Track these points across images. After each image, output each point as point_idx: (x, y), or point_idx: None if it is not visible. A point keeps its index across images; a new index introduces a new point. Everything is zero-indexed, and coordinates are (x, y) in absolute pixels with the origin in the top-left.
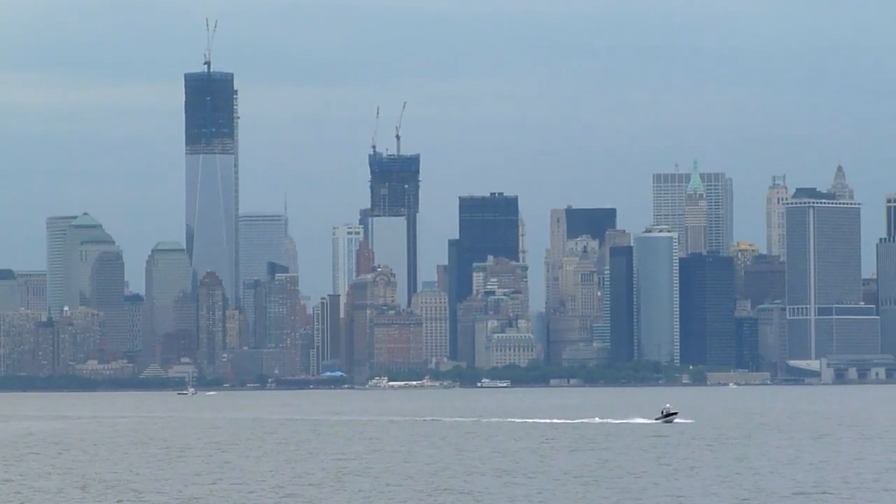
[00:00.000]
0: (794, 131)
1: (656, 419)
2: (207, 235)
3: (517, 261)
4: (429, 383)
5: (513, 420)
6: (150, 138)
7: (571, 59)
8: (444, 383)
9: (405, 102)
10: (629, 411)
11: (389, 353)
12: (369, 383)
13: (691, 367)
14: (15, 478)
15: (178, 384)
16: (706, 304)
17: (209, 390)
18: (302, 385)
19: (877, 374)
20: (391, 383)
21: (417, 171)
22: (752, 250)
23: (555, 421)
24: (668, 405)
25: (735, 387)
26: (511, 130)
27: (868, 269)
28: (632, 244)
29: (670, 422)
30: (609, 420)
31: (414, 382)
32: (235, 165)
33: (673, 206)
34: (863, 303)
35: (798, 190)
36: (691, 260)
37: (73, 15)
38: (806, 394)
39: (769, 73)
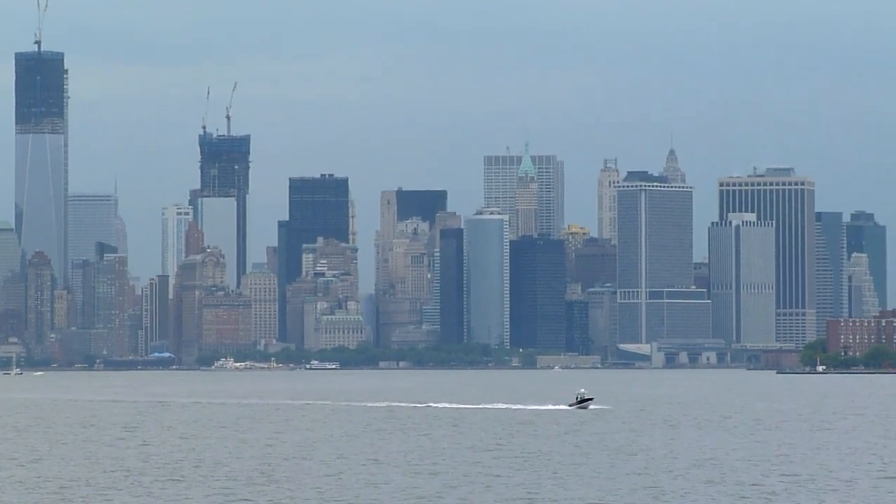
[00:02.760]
0: (626, 115)
1: (570, 405)
2: (36, 215)
3: (347, 242)
4: (275, 365)
5: (427, 405)
6: None
7: (407, 42)
8: (291, 365)
9: (235, 83)
10: (511, 396)
11: (218, 334)
12: (215, 364)
13: (521, 351)
14: None
15: (6, 364)
16: (537, 288)
17: (36, 370)
18: (130, 366)
19: (707, 358)
20: (236, 364)
21: (248, 152)
22: (584, 233)
23: (458, 406)
24: (582, 390)
25: (560, 370)
26: (342, 112)
27: (700, 253)
28: (462, 227)
29: (585, 407)
30: (521, 406)
31: (262, 364)
32: (65, 145)
33: (504, 188)
34: (694, 287)
35: (629, 173)
36: (522, 243)
37: None
38: (649, 378)
39: (602, 57)
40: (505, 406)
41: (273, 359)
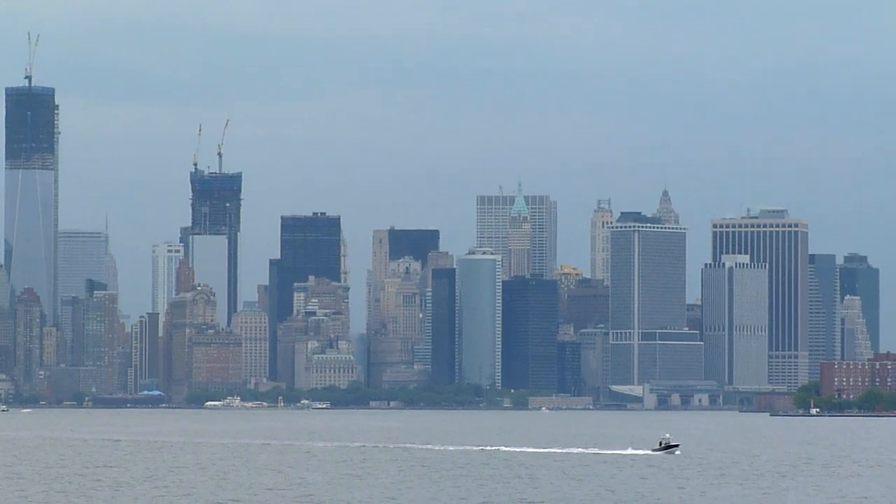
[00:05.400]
0: (620, 155)
1: (654, 450)
2: (26, 251)
3: (338, 281)
4: (282, 404)
5: (522, 449)
6: None
7: (402, 81)
8: (301, 403)
9: (228, 120)
10: (533, 438)
11: (208, 372)
12: (224, 402)
13: (513, 391)
14: None
15: None
16: (529, 328)
17: (24, 408)
18: (119, 404)
19: (700, 400)
20: (245, 404)
21: (239, 190)
22: (576, 274)
23: (531, 450)
24: (667, 435)
25: (548, 411)
26: (335, 151)
27: (693, 294)
28: (455, 266)
29: (672, 453)
30: (598, 451)
31: (265, 403)
32: (55, 181)
33: (496, 228)
34: (687, 328)
35: (623, 214)
36: (514, 283)
37: None
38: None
39: (596, 98)
40: (580, 450)
41: (281, 398)
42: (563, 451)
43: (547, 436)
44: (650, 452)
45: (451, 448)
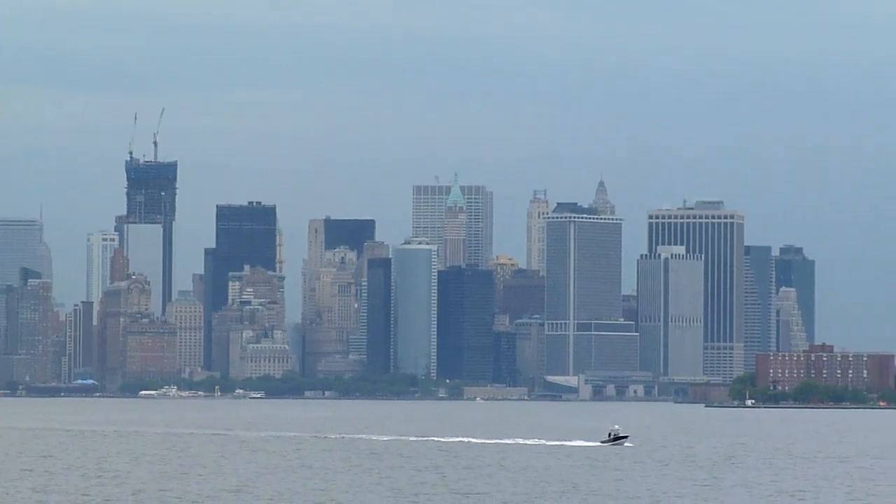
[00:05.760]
0: (557, 146)
1: (603, 442)
2: None
3: (274, 271)
4: (219, 394)
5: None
6: None
7: (339, 71)
8: (237, 393)
9: (163, 109)
10: (511, 430)
11: (142, 361)
12: (160, 391)
13: (448, 381)
14: None
15: None
16: (464, 318)
17: None
18: (53, 392)
19: (635, 391)
20: (181, 393)
21: (175, 179)
22: (512, 264)
23: (489, 441)
24: (616, 427)
25: (482, 402)
26: (271, 140)
27: (628, 285)
28: (390, 256)
29: (620, 444)
30: (547, 442)
31: (201, 393)
32: None
33: (433, 218)
34: (622, 319)
35: (559, 205)
36: (450, 273)
37: None
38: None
39: (533, 89)
40: (534, 441)
41: (217, 388)
42: (513, 442)
43: (489, 427)
44: (599, 444)
45: (387, 438)
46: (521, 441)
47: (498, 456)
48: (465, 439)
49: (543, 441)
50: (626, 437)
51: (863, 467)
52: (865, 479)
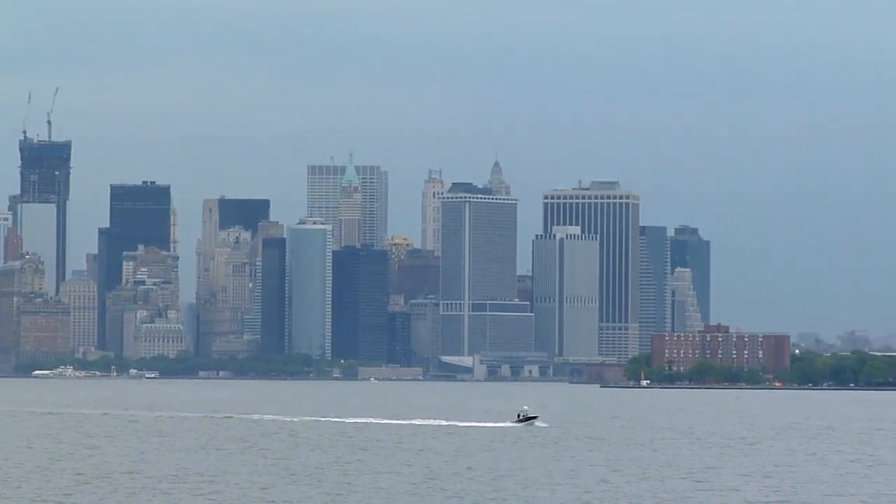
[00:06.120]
0: (452, 126)
1: (514, 422)
2: None
3: (168, 251)
4: (115, 374)
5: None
6: None
7: (233, 50)
8: (132, 372)
9: (57, 88)
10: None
11: (36, 341)
12: (55, 371)
13: (343, 361)
14: None
15: None
16: (359, 298)
17: None
18: None
19: (530, 371)
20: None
21: (69, 158)
22: (407, 245)
23: (395, 422)
24: (525, 407)
25: (376, 382)
26: (165, 120)
27: (524, 265)
28: (285, 236)
29: (531, 425)
30: (459, 423)
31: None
32: None
33: (327, 198)
34: (517, 300)
35: (454, 185)
36: (345, 253)
37: None
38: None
39: (429, 68)
40: (444, 423)
41: (114, 367)
42: (422, 423)
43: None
44: (510, 424)
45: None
46: (419, 422)
47: (395, 436)
48: (369, 420)
49: (455, 422)
50: (535, 416)
51: (761, 449)
52: (764, 460)
